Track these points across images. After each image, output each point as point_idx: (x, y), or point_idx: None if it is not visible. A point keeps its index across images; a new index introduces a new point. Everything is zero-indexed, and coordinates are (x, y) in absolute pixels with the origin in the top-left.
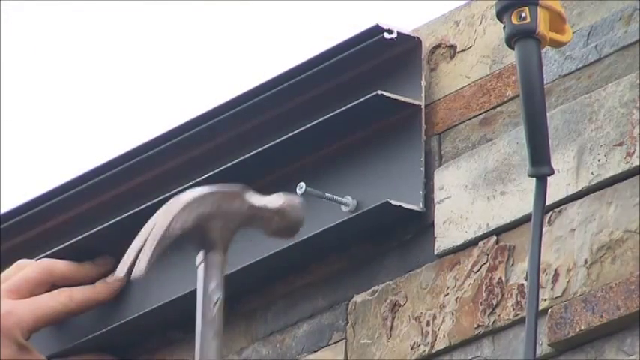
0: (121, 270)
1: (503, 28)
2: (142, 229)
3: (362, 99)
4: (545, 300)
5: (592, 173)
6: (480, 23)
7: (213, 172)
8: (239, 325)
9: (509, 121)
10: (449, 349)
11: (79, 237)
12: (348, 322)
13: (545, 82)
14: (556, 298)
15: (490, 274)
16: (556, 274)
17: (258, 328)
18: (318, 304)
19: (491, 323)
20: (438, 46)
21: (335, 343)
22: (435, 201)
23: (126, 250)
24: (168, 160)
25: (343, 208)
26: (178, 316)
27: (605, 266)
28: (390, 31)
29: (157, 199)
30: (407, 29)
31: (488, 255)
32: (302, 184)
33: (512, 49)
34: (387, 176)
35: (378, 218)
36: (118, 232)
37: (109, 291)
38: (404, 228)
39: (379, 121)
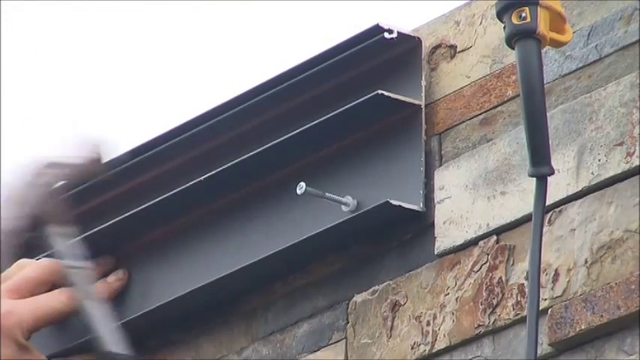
0: None
1: (504, 27)
2: None
3: (362, 99)
4: (545, 300)
5: (592, 173)
6: (481, 23)
7: (214, 172)
8: (239, 325)
9: (509, 121)
10: (449, 349)
11: (79, 237)
12: (348, 322)
13: (545, 81)
14: (556, 297)
15: (490, 274)
16: (556, 273)
17: (259, 328)
18: (318, 304)
19: (491, 323)
20: (439, 46)
21: (335, 343)
22: (435, 201)
23: (126, 250)
24: (169, 160)
25: (343, 208)
26: (178, 316)
27: (605, 266)
28: (390, 31)
29: (157, 199)
30: (407, 29)
31: (488, 255)
32: (302, 184)
33: (513, 48)
34: (388, 176)
35: (378, 218)
36: (118, 232)
37: (109, 291)
38: (404, 228)
39: (379, 120)
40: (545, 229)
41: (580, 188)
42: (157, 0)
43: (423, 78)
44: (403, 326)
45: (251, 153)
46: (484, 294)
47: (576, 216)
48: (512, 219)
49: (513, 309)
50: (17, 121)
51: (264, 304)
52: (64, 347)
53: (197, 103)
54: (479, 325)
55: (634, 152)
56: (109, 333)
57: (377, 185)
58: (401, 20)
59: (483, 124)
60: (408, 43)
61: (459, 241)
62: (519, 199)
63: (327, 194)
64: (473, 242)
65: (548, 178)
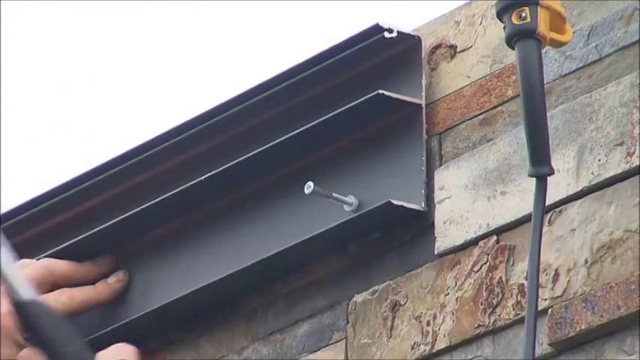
0: None
1: (504, 27)
2: None
3: (363, 99)
4: (545, 300)
5: (592, 173)
6: (481, 23)
7: (214, 172)
8: (239, 325)
9: (509, 121)
10: (449, 349)
11: (80, 237)
12: (348, 322)
13: (545, 81)
14: (556, 297)
15: (490, 274)
16: (556, 273)
17: (259, 328)
18: (318, 304)
19: (491, 323)
20: (439, 46)
21: (335, 342)
22: (436, 201)
23: (127, 250)
24: (169, 160)
25: (346, 208)
26: (179, 317)
27: (605, 266)
28: (390, 30)
29: (157, 199)
30: (407, 29)
31: (488, 255)
32: (310, 183)
33: (513, 48)
34: (389, 175)
35: (379, 218)
36: (118, 232)
37: (109, 291)
38: (404, 228)
39: (380, 120)
40: (545, 229)
41: (580, 188)
42: (157, 0)
43: (424, 77)
44: (403, 326)
45: (251, 153)
46: (484, 294)
47: (576, 216)
48: (513, 219)
49: (513, 309)
50: (17, 121)
51: (264, 304)
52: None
53: (197, 102)
54: (479, 325)
55: (634, 152)
56: (17, 278)
57: (378, 185)
58: (401, 20)
59: (483, 124)
60: (408, 42)
61: (459, 241)
62: (519, 199)
63: (334, 194)
64: (473, 242)
65: (548, 178)
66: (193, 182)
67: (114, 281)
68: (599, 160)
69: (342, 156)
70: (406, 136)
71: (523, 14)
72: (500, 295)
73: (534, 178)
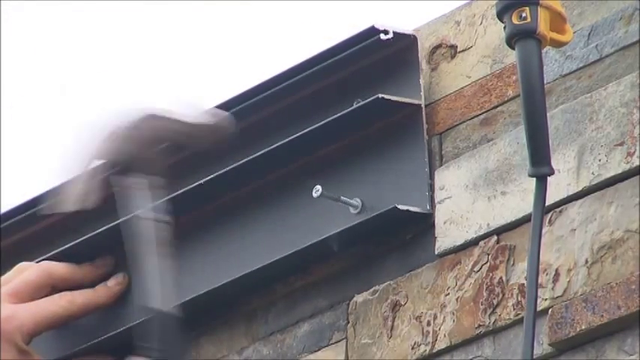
0: (63, 205)
1: (504, 27)
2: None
3: (362, 103)
4: (545, 300)
5: (593, 173)
6: (481, 23)
7: (214, 175)
8: (240, 326)
9: (509, 121)
10: (449, 349)
11: (79, 239)
12: (348, 322)
13: (545, 81)
14: (557, 297)
15: (491, 274)
16: (557, 273)
17: (259, 328)
18: (318, 304)
19: (491, 323)
20: (439, 46)
21: (336, 343)
22: (436, 201)
23: (126, 252)
24: (170, 159)
25: (351, 210)
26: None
27: (605, 266)
28: (385, 32)
29: (158, 200)
30: (407, 29)
31: (488, 255)
32: (318, 187)
33: (513, 48)
34: (391, 177)
35: (384, 221)
36: (118, 234)
37: (109, 295)
38: (405, 228)
39: (380, 122)
40: (545, 229)
41: (580, 188)
42: (157, 0)
43: (421, 76)
44: (404, 326)
45: (253, 155)
46: (484, 294)
47: (577, 216)
48: (513, 219)
49: (514, 309)
50: (17, 120)
51: (264, 304)
52: (66, 351)
53: (196, 102)
54: (479, 325)
55: (634, 152)
56: (159, 289)
57: (381, 186)
58: (401, 20)
59: (484, 124)
60: (404, 42)
61: (460, 241)
62: (520, 199)
63: (342, 197)
64: (473, 242)
65: (549, 178)
66: (194, 185)
67: (113, 284)
68: (600, 160)
69: (344, 158)
70: (407, 137)
71: (523, 14)
72: (500, 295)
73: (534, 178)
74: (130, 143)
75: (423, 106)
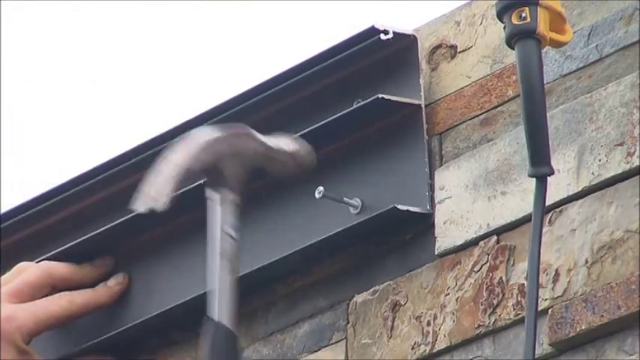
0: (141, 203)
1: (504, 28)
2: (158, 165)
3: (362, 103)
4: (545, 300)
5: (593, 173)
6: (481, 23)
7: None
8: (240, 326)
9: (509, 121)
10: (449, 349)
11: (79, 239)
12: (348, 322)
13: (545, 81)
14: (557, 297)
15: (491, 274)
16: (557, 274)
17: (259, 329)
18: (318, 304)
19: (491, 323)
20: (439, 46)
21: (335, 343)
22: (436, 201)
23: (126, 252)
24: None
25: (352, 210)
26: (180, 317)
27: (605, 266)
28: (385, 32)
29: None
30: (407, 29)
31: (488, 255)
32: (321, 188)
33: (513, 49)
34: (391, 177)
35: (384, 221)
36: (118, 233)
37: (109, 294)
38: (405, 228)
39: (380, 122)
40: (545, 229)
41: (580, 188)
42: (157, 0)
43: (421, 75)
44: (403, 326)
45: None
46: (484, 294)
47: (577, 216)
48: (513, 219)
49: (514, 309)
50: (17, 120)
51: (264, 305)
52: (66, 351)
53: (196, 102)
54: (479, 326)
55: (634, 152)
56: (221, 302)
57: (381, 186)
58: (401, 20)
59: (484, 124)
60: (404, 41)
61: (460, 241)
62: (520, 199)
63: (344, 198)
64: (473, 242)
65: (549, 178)
66: (194, 185)
67: (114, 284)
68: (600, 160)
69: (344, 158)
70: (407, 137)
71: (523, 14)
72: (500, 295)
73: (534, 178)
74: (217, 155)
75: (423, 106)
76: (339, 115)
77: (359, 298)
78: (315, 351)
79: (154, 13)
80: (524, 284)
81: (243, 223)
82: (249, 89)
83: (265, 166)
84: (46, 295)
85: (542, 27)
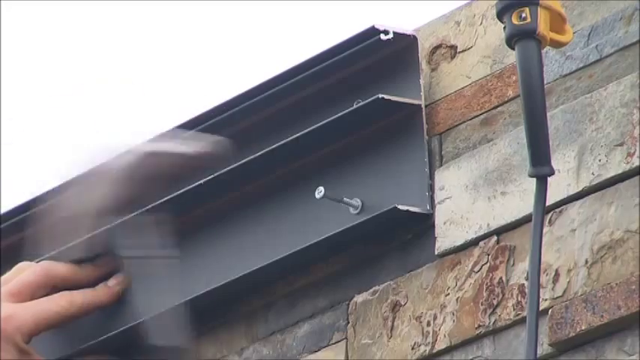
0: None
1: (504, 28)
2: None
3: (362, 103)
4: (545, 300)
5: (593, 173)
6: (481, 23)
7: (214, 175)
8: (240, 326)
9: (509, 121)
10: (449, 349)
11: (79, 240)
12: (348, 322)
13: (545, 82)
14: (557, 298)
15: (491, 275)
16: (557, 274)
17: (259, 329)
18: (318, 305)
19: (491, 323)
20: (439, 46)
21: (336, 343)
22: (436, 201)
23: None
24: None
25: (352, 210)
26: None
27: (605, 266)
28: (385, 32)
29: (158, 200)
30: (408, 29)
31: (488, 255)
32: (321, 188)
33: (513, 49)
34: (391, 177)
35: (384, 222)
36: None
37: (110, 294)
38: (405, 228)
39: (380, 122)
40: (545, 229)
41: (580, 188)
42: (157, 0)
43: (422, 76)
44: (404, 326)
45: (253, 155)
46: (484, 294)
47: (577, 216)
48: (513, 219)
49: (514, 309)
50: (16, 120)
51: (264, 305)
52: (66, 351)
53: (195, 103)
54: (479, 326)
55: (634, 153)
56: (156, 321)
57: (381, 186)
58: (401, 21)
59: (484, 125)
60: (405, 42)
61: (460, 242)
62: (520, 200)
63: (344, 199)
64: (473, 242)
65: (549, 179)
66: (195, 184)
67: (114, 284)
68: (600, 161)
69: (344, 158)
70: (407, 137)
71: (523, 14)
72: (500, 296)
73: (535, 179)
74: (133, 185)
75: (423, 106)
76: (339, 115)
77: (359, 298)
78: (315, 351)
79: (154, 13)
80: (524, 284)
81: (244, 223)
82: (250, 89)
83: (185, 174)
84: (46, 295)
85: (543, 27)
